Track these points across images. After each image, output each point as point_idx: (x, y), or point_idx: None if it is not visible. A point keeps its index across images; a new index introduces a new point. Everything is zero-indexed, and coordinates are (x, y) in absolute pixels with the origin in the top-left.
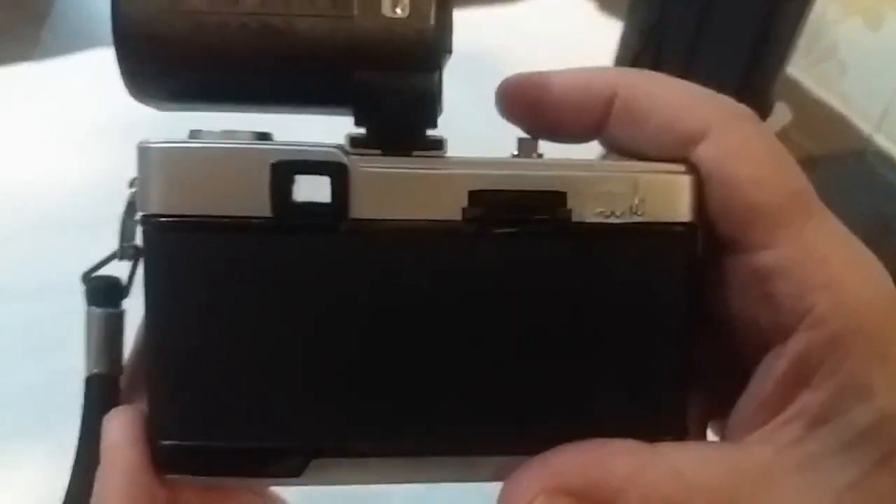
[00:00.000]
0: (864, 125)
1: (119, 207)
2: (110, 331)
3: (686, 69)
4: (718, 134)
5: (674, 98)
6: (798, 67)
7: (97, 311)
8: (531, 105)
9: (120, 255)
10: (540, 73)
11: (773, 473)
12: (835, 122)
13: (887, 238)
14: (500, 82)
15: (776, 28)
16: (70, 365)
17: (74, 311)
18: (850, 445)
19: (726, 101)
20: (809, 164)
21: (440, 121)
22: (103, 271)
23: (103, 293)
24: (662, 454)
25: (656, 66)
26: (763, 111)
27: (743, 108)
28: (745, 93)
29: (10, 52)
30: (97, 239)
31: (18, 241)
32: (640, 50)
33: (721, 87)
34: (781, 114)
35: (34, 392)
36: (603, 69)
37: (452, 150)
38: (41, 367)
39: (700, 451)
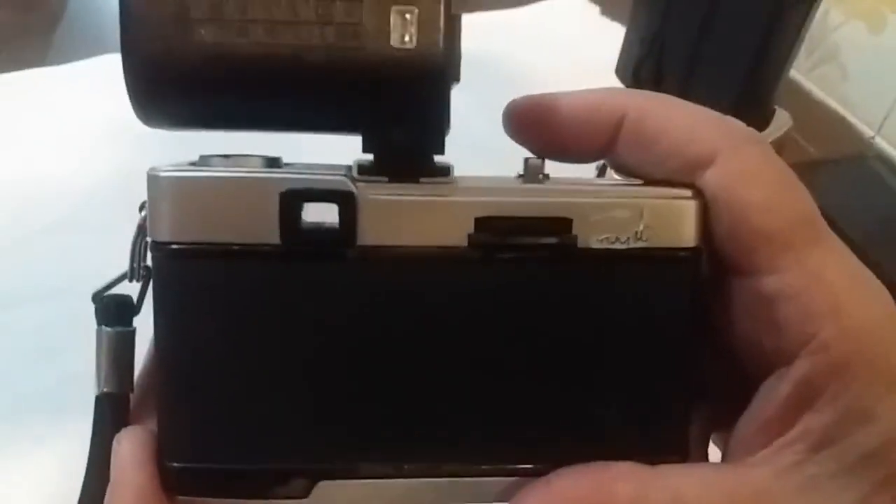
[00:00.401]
0: (866, 129)
1: (131, 211)
2: (121, 350)
3: (687, 77)
4: (727, 159)
5: (683, 122)
6: (799, 71)
7: (108, 330)
8: (539, 126)
9: (130, 276)
10: (548, 95)
11: (774, 496)
12: (836, 126)
13: (889, 241)
14: (507, 103)
15: (778, 37)
16: (82, 368)
17: (86, 313)
18: (850, 469)
19: (735, 126)
20: (810, 167)
21: None
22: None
23: (114, 312)
24: (663, 477)
25: (658, 74)
26: (764, 119)
27: (752, 133)
28: (746, 100)
29: (23, 56)
30: (109, 242)
31: (31, 244)
32: (642, 58)
33: (722, 95)
34: (782, 120)
35: (47, 394)
36: (612, 90)
37: (455, 156)
38: (53, 370)
39: (701, 473)
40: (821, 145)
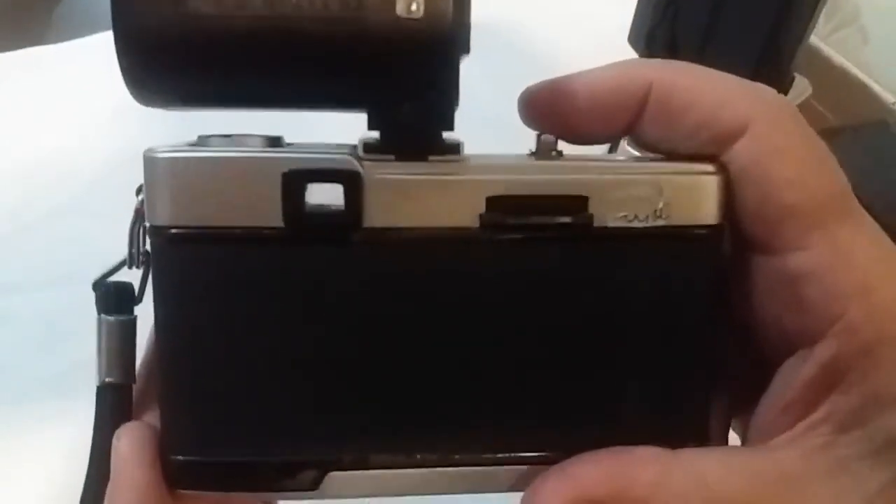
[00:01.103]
0: (888, 95)
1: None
2: (122, 339)
3: (703, 44)
4: (758, 130)
5: (713, 92)
6: (818, 35)
7: (109, 318)
8: (559, 112)
9: (129, 262)
10: (564, 78)
11: (801, 478)
12: (856, 92)
13: None
14: (521, 92)
15: (797, 1)
16: (88, 354)
17: (92, 299)
18: (880, 451)
19: (768, 94)
20: (830, 135)
21: None
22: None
23: (115, 300)
24: (686, 461)
25: (672, 40)
26: (782, 85)
27: (784, 102)
28: (765, 67)
29: (22, 34)
30: (114, 226)
31: (35, 229)
32: (656, 24)
33: (739, 62)
34: (801, 87)
35: (53, 381)
36: (632, 63)
37: (464, 130)
38: (59, 357)
39: (724, 457)
40: (840, 112)
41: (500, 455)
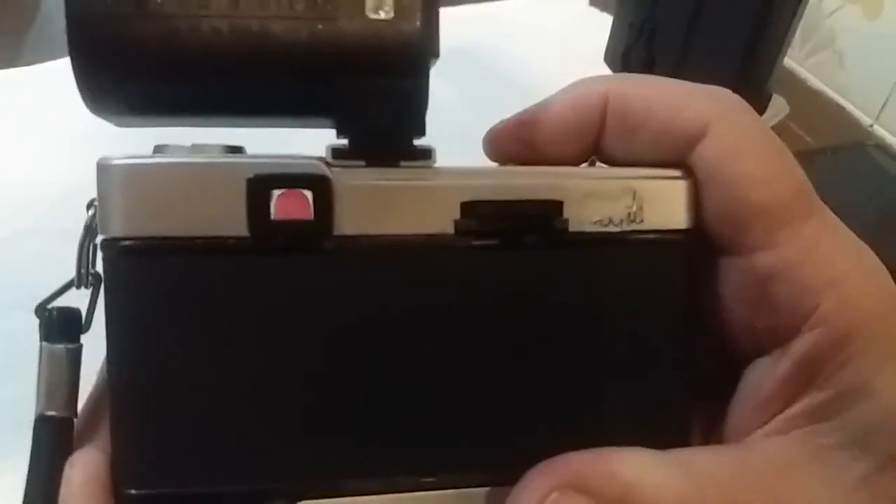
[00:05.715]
0: (864, 117)
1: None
2: (66, 368)
3: (680, 62)
4: (718, 131)
5: (668, 98)
6: (794, 59)
7: (52, 346)
8: (525, 144)
9: (78, 282)
10: (526, 112)
11: (785, 466)
12: (834, 115)
13: (889, 230)
14: (486, 132)
15: (773, 19)
16: None
17: None
18: (858, 441)
19: (723, 95)
20: (808, 156)
21: (427, 119)
22: (61, 301)
23: (58, 327)
24: (671, 455)
25: (649, 59)
26: (760, 104)
27: (740, 102)
28: (742, 86)
29: None
30: (74, 251)
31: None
32: (632, 43)
33: (717, 81)
34: (779, 107)
35: (10, 408)
36: (587, 81)
37: (440, 150)
38: (18, 384)
39: (708, 450)
40: (818, 134)
41: (482, 475)
